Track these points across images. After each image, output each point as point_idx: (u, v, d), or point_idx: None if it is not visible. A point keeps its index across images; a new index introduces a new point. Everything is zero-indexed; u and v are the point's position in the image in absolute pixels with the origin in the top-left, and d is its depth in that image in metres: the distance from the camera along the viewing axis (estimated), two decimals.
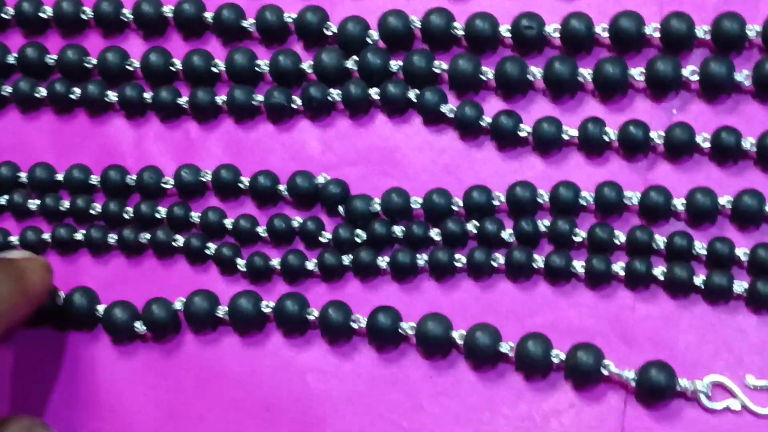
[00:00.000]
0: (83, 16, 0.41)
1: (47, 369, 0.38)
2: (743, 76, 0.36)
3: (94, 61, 0.41)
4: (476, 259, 0.37)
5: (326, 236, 0.38)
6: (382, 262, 0.38)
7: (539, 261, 0.36)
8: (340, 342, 0.37)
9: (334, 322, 0.36)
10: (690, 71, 0.36)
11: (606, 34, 0.37)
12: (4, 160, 0.41)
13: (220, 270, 0.39)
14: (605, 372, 0.35)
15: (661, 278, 0.35)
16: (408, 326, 0.36)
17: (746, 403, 0.33)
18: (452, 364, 0.36)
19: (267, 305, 0.37)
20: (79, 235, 0.40)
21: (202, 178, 0.40)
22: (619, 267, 0.36)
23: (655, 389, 0.34)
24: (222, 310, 0.38)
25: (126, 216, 0.39)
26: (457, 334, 0.36)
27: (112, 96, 0.40)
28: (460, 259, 0.37)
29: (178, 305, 0.38)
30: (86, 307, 0.38)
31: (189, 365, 0.38)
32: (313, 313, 0.37)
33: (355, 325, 0.37)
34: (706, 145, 0.36)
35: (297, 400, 0.37)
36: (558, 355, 0.35)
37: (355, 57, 0.39)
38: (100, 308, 0.38)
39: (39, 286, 0.36)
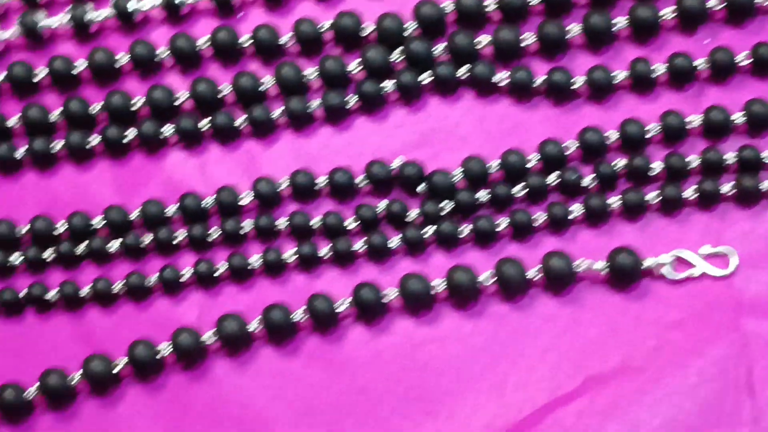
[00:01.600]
0: (116, 65, 0.45)
1: None
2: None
3: (140, 101, 0.45)
4: (556, 213, 0.42)
5: (411, 215, 0.43)
6: (466, 229, 0.42)
7: (613, 202, 0.42)
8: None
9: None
10: (715, 2, 0.43)
11: None
12: (72, 212, 0.45)
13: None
14: (579, 270, 0.41)
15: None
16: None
17: (706, 268, 0.40)
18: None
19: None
20: (187, 272, 0.44)
21: (277, 189, 0.44)
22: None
23: (624, 271, 0.40)
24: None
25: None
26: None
27: (166, 131, 0.45)
28: (538, 216, 0.42)
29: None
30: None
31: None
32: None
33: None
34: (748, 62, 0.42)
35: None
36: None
37: (399, 48, 0.44)
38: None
39: None
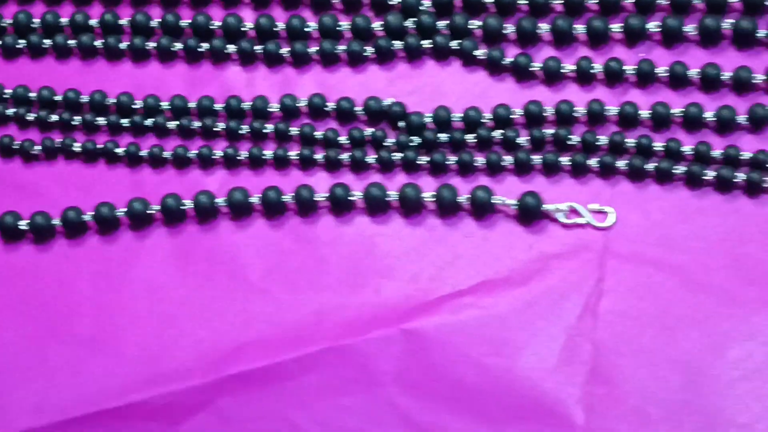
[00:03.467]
0: None
1: None
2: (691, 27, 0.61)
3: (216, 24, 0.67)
4: (492, 160, 0.63)
5: (388, 142, 0.64)
6: (424, 159, 0.64)
7: (536, 159, 0.61)
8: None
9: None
10: (653, 25, 0.63)
11: (596, 1, 0.62)
12: (148, 94, 0.68)
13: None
14: (497, 202, 0.60)
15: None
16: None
17: (590, 220, 0.59)
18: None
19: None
20: (217, 154, 0.67)
21: (298, 105, 0.66)
22: (595, 161, 0.62)
23: (529, 210, 0.59)
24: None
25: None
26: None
27: (230, 48, 0.66)
28: (479, 159, 0.63)
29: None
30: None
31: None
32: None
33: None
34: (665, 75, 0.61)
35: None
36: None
37: (413, 18, 0.66)
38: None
39: None
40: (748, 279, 0.58)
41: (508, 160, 0.61)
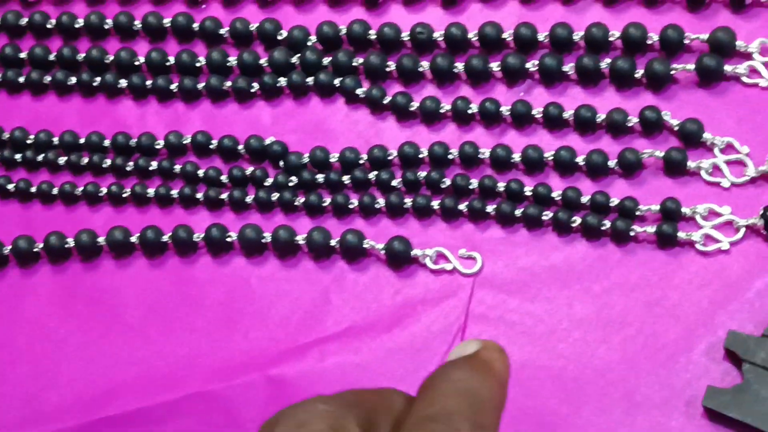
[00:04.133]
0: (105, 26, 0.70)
1: None
2: (568, 67, 0.61)
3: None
4: (365, 202, 0.64)
5: (269, 181, 0.66)
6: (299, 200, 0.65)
7: (408, 203, 0.62)
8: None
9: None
10: (532, 64, 0.64)
11: (475, 38, 0.63)
12: (40, 129, 0.70)
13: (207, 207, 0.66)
14: (366, 246, 0.61)
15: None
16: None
17: (456, 266, 0.60)
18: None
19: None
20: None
21: (184, 141, 0.68)
22: (464, 206, 0.63)
23: (397, 255, 0.60)
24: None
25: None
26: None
27: (122, 84, 0.68)
28: (354, 201, 0.64)
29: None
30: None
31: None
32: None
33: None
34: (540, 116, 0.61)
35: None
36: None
37: (298, 54, 0.67)
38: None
39: (505, 373, 0.37)
40: (612, 329, 0.58)
41: (382, 202, 0.61)
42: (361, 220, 0.62)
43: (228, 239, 0.63)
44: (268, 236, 0.62)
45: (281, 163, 0.65)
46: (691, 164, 0.58)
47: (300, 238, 0.62)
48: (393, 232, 0.61)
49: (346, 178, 0.63)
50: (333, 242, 0.61)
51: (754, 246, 0.57)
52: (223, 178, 0.65)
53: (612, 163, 0.59)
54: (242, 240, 0.63)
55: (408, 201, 0.61)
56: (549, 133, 0.62)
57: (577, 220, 0.59)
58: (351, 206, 0.62)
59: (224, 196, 0.64)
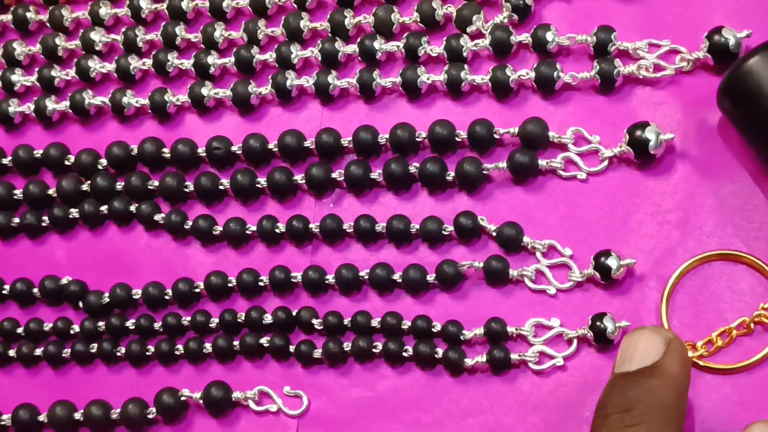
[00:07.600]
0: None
1: None
2: (377, 173, 0.58)
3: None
4: (190, 348, 0.60)
5: (75, 328, 0.61)
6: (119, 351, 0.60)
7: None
8: None
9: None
10: (338, 174, 0.60)
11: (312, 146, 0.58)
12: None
13: None
14: (183, 397, 0.57)
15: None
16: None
17: (280, 406, 0.56)
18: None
19: None
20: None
21: None
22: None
23: (214, 402, 0.57)
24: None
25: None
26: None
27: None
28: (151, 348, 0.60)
29: None
30: None
31: None
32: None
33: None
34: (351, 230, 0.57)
35: None
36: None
37: (88, 182, 0.63)
38: None
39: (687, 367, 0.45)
40: None
41: (207, 347, 0.59)
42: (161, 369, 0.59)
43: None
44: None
45: (80, 305, 0.59)
46: (513, 273, 0.55)
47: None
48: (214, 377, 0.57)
49: (157, 325, 0.60)
50: (150, 414, 0.58)
51: (587, 358, 0.54)
52: (20, 330, 0.60)
53: (431, 277, 0.54)
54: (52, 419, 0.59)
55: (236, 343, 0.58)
56: (363, 247, 0.57)
57: (409, 350, 0.56)
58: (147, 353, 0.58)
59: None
